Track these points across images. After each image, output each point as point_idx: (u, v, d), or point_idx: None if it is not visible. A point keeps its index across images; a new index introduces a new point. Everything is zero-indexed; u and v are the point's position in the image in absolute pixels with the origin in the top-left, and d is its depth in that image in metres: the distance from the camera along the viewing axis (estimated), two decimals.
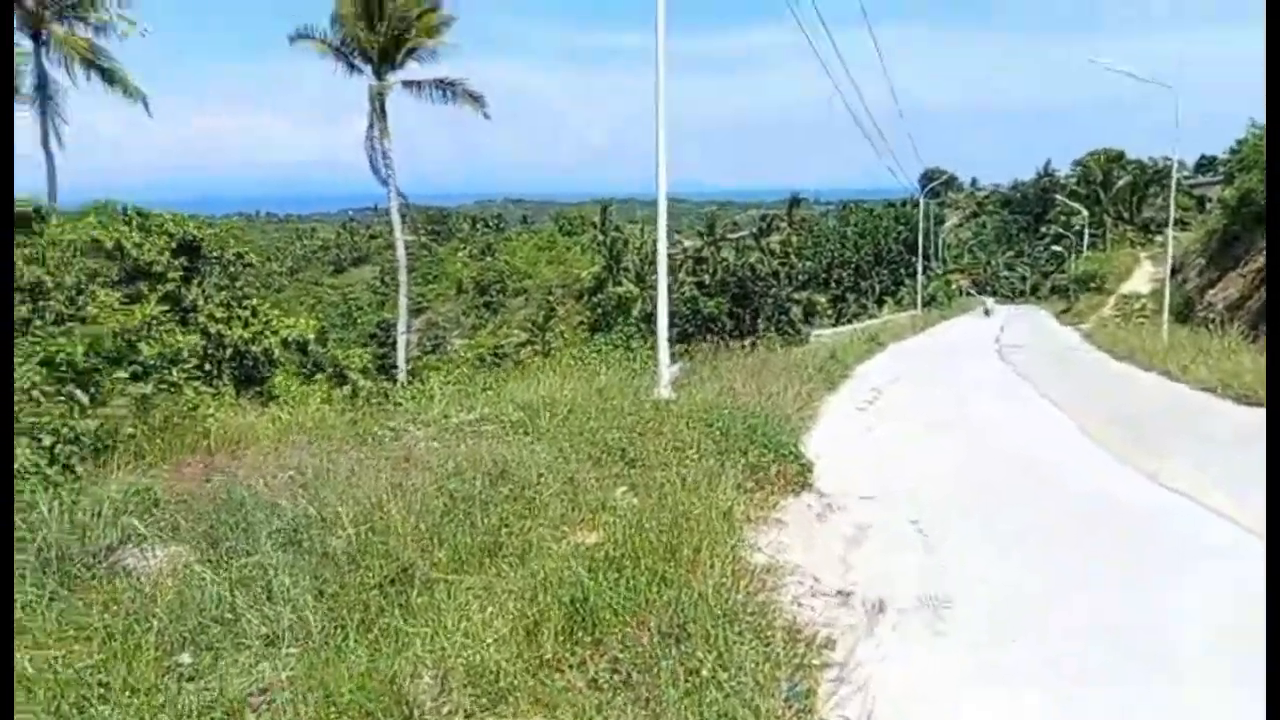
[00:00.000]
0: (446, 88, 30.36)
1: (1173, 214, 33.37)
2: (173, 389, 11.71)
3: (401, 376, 26.55)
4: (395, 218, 31.10)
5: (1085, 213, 75.86)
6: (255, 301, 21.16)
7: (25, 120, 30.65)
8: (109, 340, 11.58)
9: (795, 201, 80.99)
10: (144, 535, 6.06)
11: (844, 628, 5.16)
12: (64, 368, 10.75)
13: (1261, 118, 28.69)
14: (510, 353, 57.58)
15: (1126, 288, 53.29)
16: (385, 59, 30.09)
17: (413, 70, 30.85)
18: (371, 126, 29.44)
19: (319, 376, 19.56)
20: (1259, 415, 12.19)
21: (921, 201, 63.36)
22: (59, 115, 31.51)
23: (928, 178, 78.63)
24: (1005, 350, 29.41)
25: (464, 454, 8.43)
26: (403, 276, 31.69)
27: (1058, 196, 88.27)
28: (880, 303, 69.39)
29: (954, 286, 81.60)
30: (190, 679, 4.39)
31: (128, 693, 4.26)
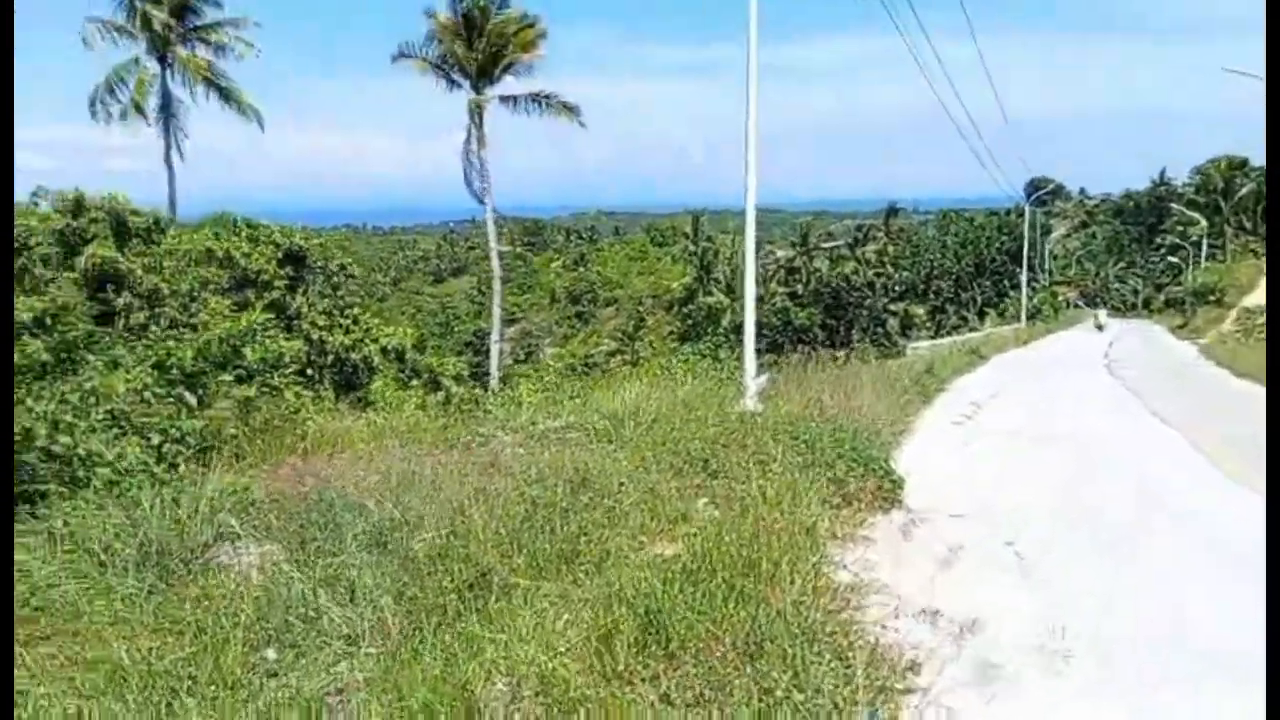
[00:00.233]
0: (542, 100, 30.88)
1: None
2: (274, 392, 12.14)
3: (494, 384, 27.03)
4: (490, 229, 31.73)
5: (1204, 222, 72.05)
6: (356, 310, 21.86)
7: (150, 137, 32.56)
8: (216, 345, 12.07)
9: (893, 211, 79.30)
10: (238, 533, 6.25)
11: (930, 652, 4.93)
12: (174, 370, 11.27)
13: None
14: (600, 362, 58.04)
15: (1249, 301, 50.27)
16: (483, 74, 30.81)
17: (509, 85, 31.53)
18: (469, 139, 30.19)
19: (415, 383, 20.06)
20: None
21: (1027, 210, 61.21)
22: (181, 131, 33.31)
23: (1034, 186, 76.09)
24: (1115, 365, 28.09)
25: (547, 461, 8.48)
26: (497, 286, 32.28)
27: (1174, 205, 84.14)
28: (982, 315, 67.28)
29: (1060, 299, 78.59)
30: (273, 675, 4.50)
31: (213, 686, 4.39)
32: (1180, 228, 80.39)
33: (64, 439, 8.83)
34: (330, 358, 19.01)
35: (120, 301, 17.38)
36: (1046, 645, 5.25)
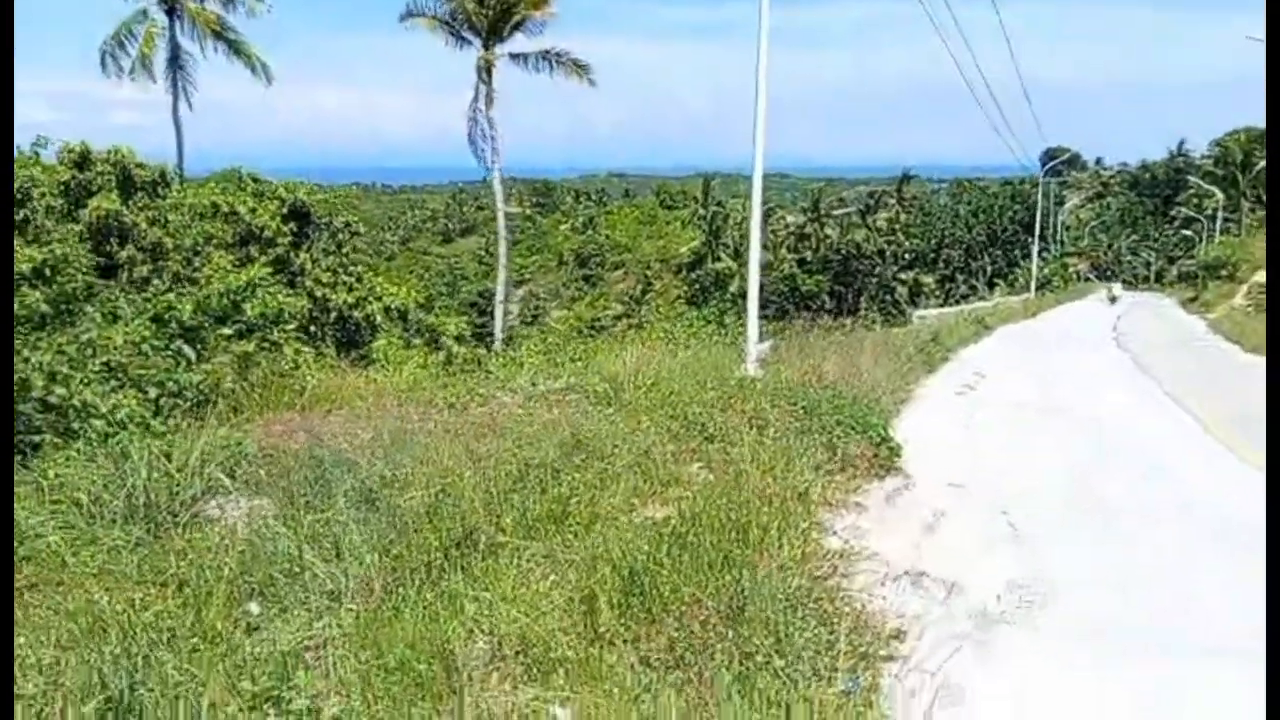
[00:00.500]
0: (553, 58, 30.45)
1: None
2: (274, 348, 12.11)
3: (497, 345, 26.98)
4: (497, 188, 31.48)
5: (1220, 195, 71.12)
6: (360, 268, 21.74)
7: (159, 91, 32.30)
8: (216, 299, 12.03)
9: (906, 178, 78.47)
10: (227, 488, 6.23)
11: (914, 619, 4.89)
12: (173, 324, 11.24)
13: None
14: (607, 325, 57.98)
15: (1261, 276, 49.73)
16: (493, 32, 30.35)
17: (519, 43, 31.09)
18: (476, 98, 29.81)
19: (416, 342, 20.01)
20: None
21: (1040, 180, 60.47)
22: (191, 85, 33.03)
23: (1049, 155, 75.02)
24: (1123, 338, 27.88)
25: (543, 421, 8.45)
26: (502, 247, 32.10)
27: (1191, 178, 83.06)
28: (991, 285, 66.81)
29: (1071, 270, 77.91)
30: (255, 629, 4.49)
31: (194, 639, 4.38)
32: (1196, 200, 79.42)
33: (60, 390, 8.83)
34: (333, 315, 18.92)
35: (124, 254, 17.31)
36: (1033, 613, 5.21)
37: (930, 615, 5.02)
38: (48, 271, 11.50)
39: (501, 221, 31.76)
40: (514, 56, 30.75)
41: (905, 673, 4.30)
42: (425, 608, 4.41)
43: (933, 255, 71.49)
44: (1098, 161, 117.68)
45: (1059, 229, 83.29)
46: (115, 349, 9.93)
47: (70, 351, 9.71)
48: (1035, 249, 57.83)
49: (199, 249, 18.08)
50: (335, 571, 4.95)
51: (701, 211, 74.98)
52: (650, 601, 4.41)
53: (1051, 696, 4.36)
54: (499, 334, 29.84)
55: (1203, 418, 12.78)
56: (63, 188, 17.06)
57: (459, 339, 21.01)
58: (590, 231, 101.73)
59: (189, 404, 9.88)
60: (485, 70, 29.91)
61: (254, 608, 4.81)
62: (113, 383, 9.60)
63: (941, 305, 50.62)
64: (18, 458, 7.35)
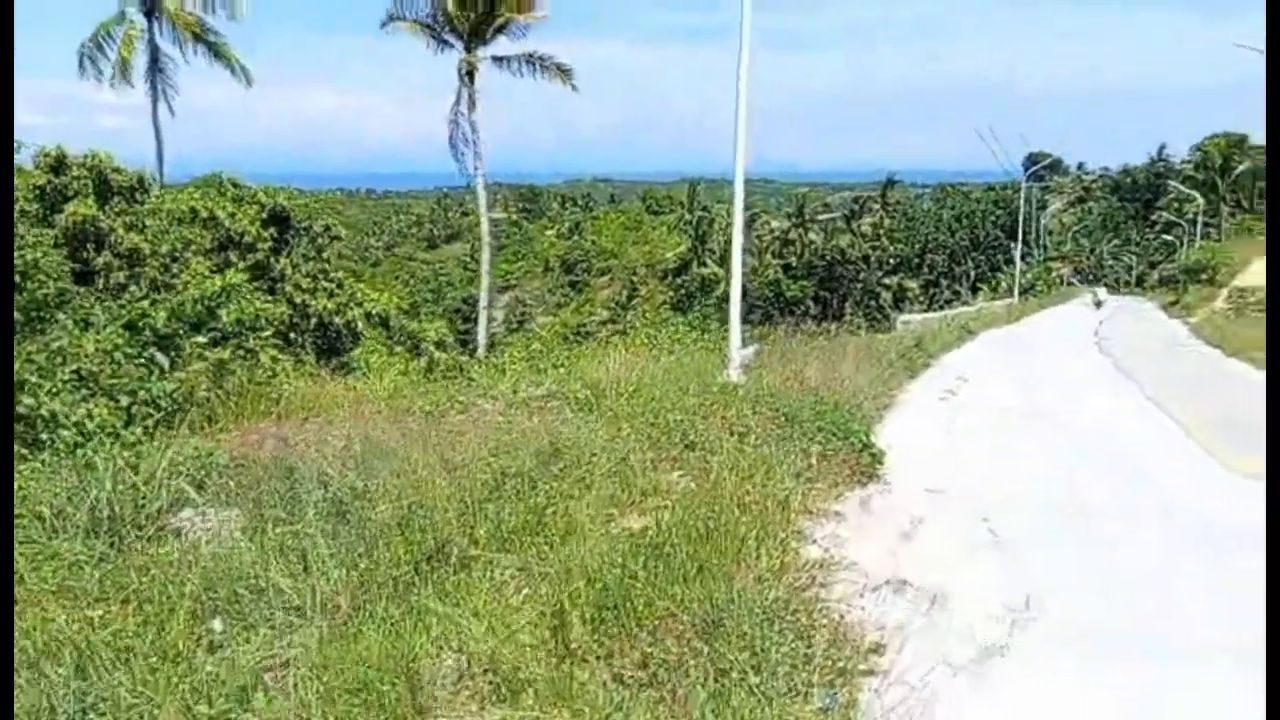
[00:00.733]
0: (535, 62, 30.33)
1: None
2: (250, 355, 11.94)
3: (480, 351, 26.80)
4: (481, 194, 31.32)
5: (1200, 200, 71.69)
6: (341, 274, 21.56)
7: (140, 94, 31.96)
8: (190, 306, 11.85)
9: (890, 183, 78.81)
10: (194, 500, 6.09)
11: (894, 630, 4.81)
12: (146, 331, 11.06)
13: None
14: (593, 331, 57.81)
15: (1241, 280, 50.10)
16: (476, 34, 30.20)
17: (502, 46, 30.94)
18: (458, 101, 29.65)
19: (398, 349, 19.85)
20: None
21: (1023, 185, 60.80)
22: (171, 89, 32.70)
23: (1032, 160, 75.47)
24: (1105, 342, 27.97)
25: (522, 429, 8.33)
26: (485, 253, 31.92)
27: (1171, 183, 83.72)
28: (975, 290, 67.08)
29: (1054, 275, 78.31)
30: (217, 647, 4.36)
31: (154, 658, 4.25)
32: (1177, 205, 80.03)
33: (27, 400, 8.65)
34: (313, 321, 18.73)
35: (100, 261, 17.08)
36: (1015, 621, 5.14)
37: (911, 626, 4.93)
38: (18, 278, 11.29)
39: (485, 227, 31.60)
40: (497, 60, 30.61)
41: (885, 687, 4.21)
42: (392, 624, 4.29)
43: (917, 260, 71.74)
44: (1079, 166, 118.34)
45: (1042, 233, 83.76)
46: (86, 357, 9.75)
47: (40, 360, 9.54)
48: (1018, 253, 58.10)
49: (177, 255, 17.85)
50: (301, 587, 4.83)
51: (687, 217, 75.04)
52: (624, 616, 4.30)
53: (1035, 704, 4.29)
54: (482, 340, 29.67)
55: (1185, 422, 12.78)
56: (38, 192, 16.83)
57: (440, 345, 20.84)
58: (576, 237, 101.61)
59: (162, 413, 9.71)
60: (467, 73, 29.76)
61: (217, 625, 4.68)
62: (83, 392, 9.42)
63: (926, 310, 50.78)
64: None
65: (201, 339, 11.39)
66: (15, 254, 11.75)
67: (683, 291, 67.53)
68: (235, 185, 20.17)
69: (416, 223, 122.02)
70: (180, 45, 32.62)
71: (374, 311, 20.25)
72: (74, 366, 9.54)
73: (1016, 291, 55.95)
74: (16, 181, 16.27)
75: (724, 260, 62.30)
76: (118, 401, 9.44)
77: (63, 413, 8.83)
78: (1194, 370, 21.01)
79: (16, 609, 4.67)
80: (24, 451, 7.95)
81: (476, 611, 4.45)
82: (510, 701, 3.75)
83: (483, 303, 31.29)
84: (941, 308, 51.82)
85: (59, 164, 17.30)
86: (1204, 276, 55.28)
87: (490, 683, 3.86)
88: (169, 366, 10.73)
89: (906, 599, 5.31)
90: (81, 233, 17.00)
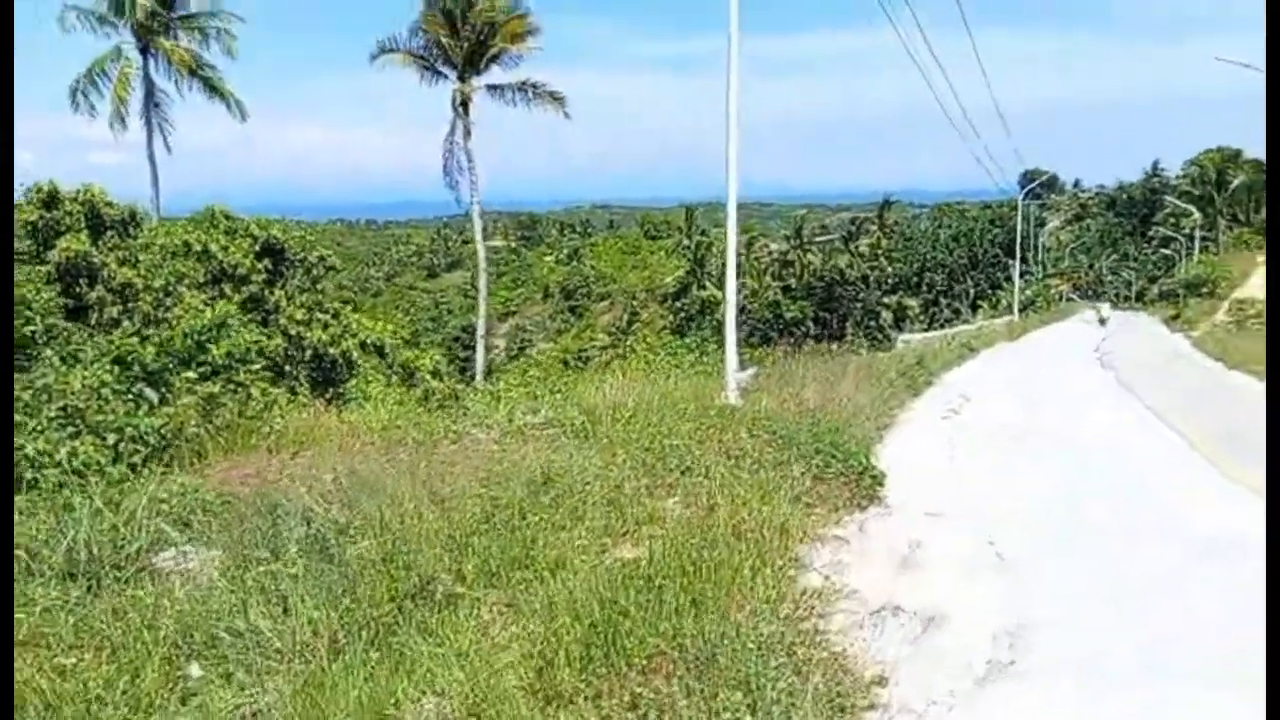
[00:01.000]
0: (529, 90, 30.46)
1: None
2: (239, 389, 11.79)
3: (479, 379, 26.66)
4: (476, 223, 31.33)
5: (1197, 214, 71.79)
6: (336, 305, 21.47)
7: (136, 130, 32.03)
8: (180, 341, 11.73)
9: (887, 204, 78.95)
10: (173, 540, 5.92)
11: (897, 661, 4.62)
12: (135, 367, 10.92)
13: None
14: (594, 356, 57.69)
15: (1241, 293, 50.06)
16: (469, 64, 30.37)
17: (495, 75, 31.10)
18: (453, 131, 29.75)
19: (394, 379, 19.71)
20: None
21: (1020, 203, 60.88)
22: (167, 124, 32.81)
23: (1028, 178, 75.66)
24: (1107, 357, 27.81)
25: (514, 458, 8.17)
26: (482, 281, 31.90)
27: (1167, 198, 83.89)
28: (975, 308, 67.02)
29: (1054, 291, 78.31)
30: (193, 694, 4.18)
31: (125, 709, 4.07)
32: (1173, 220, 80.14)
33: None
34: (308, 353, 18.61)
35: (93, 295, 17.00)
36: (1018, 645, 4.95)
37: (914, 655, 4.75)
38: None
39: (481, 255, 31.58)
40: (491, 88, 30.77)
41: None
42: (372, 668, 4.11)
43: (915, 279, 71.74)
44: (1075, 184, 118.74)
45: (1040, 251, 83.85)
46: (73, 394, 9.60)
47: (25, 398, 9.40)
48: (1017, 271, 58.07)
49: (170, 289, 17.77)
50: (282, 629, 4.66)
51: (685, 241, 75.12)
52: (613, 654, 4.13)
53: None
54: (480, 368, 29.54)
55: (1189, 435, 12.61)
56: (30, 228, 16.77)
57: (435, 374, 20.70)
58: (575, 263, 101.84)
59: (150, 449, 9.56)
60: (461, 104, 29.87)
61: (195, 670, 4.51)
62: (69, 429, 9.27)
63: (926, 329, 50.64)
64: None
65: (191, 374, 11.25)
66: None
67: (683, 315, 67.45)
68: (228, 218, 20.11)
69: (417, 252, 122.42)
70: (176, 81, 32.80)
71: (369, 341, 20.14)
72: (60, 404, 9.39)
73: (1016, 309, 55.87)
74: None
75: (722, 283, 62.36)
76: (104, 439, 9.28)
77: (47, 451, 8.69)
78: (1196, 384, 20.84)
79: None
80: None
81: (461, 652, 4.27)
82: None
83: (480, 330, 31.21)
84: (942, 326, 51.70)
85: (51, 199, 17.27)
86: (1204, 290, 55.24)
87: None
88: (158, 402, 10.60)
89: (908, 627, 5.12)
90: (74, 268, 16.94)
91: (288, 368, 18.22)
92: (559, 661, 4.05)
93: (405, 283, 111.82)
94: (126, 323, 16.32)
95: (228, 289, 18.30)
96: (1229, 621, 5.40)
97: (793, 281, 67.61)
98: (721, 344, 22.99)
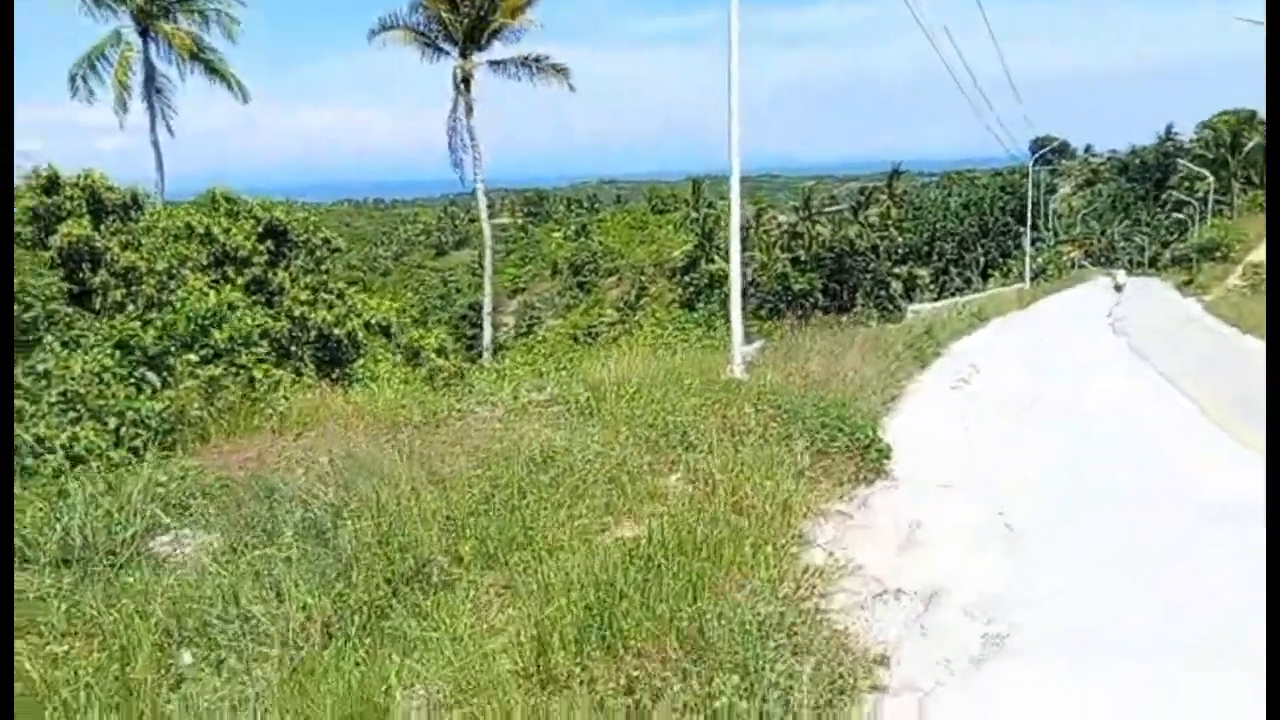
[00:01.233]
0: (531, 64, 30.11)
1: None
2: (241, 371, 11.74)
3: (486, 356, 26.58)
4: (481, 200, 31.12)
5: (1210, 178, 70.86)
6: (341, 285, 21.38)
7: (138, 114, 31.90)
8: (182, 325, 11.67)
9: (896, 173, 78.17)
10: (167, 524, 5.87)
11: (900, 637, 4.53)
12: (136, 351, 10.88)
13: None
14: (603, 332, 57.58)
15: (1256, 256, 49.40)
16: (470, 40, 30.00)
17: (498, 51, 30.73)
18: (455, 108, 29.45)
19: (398, 358, 19.63)
20: None
21: (1030, 169, 60.19)
22: (169, 108, 32.64)
23: (1038, 145, 74.79)
24: (1119, 323, 27.53)
25: (516, 436, 8.08)
26: (488, 258, 31.72)
27: (1180, 161, 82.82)
28: (986, 276, 66.52)
29: (1065, 258, 77.64)
30: (179, 683, 4.12)
31: (115, 696, 4.02)
32: (1187, 184, 79.16)
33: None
34: (313, 334, 18.52)
35: (96, 280, 16.94)
36: (1027, 622, 4.85)
37: (917, 632, 4.65)
38: None
39: (487, 232, 31.40)
40: (493, 64, 30.39)
41: (892, 700, 3.94)
42: (365, 653, 4.04)
43: (926, 249, 71.19)
44: (1087, 149, 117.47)
45: (1051, 218, 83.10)
46: (73, 379, 9.56)
47: (26, 384, 9.36)
48: (1028, 239, 57.53)
49: (174, 271, 17.68)
50: (275, 613, 4.59)
51: (693, 214, 74.66)
52: (610, 636, 4.04)
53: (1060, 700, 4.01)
54: (487, 345, 29.45)
55: (1201, 401, 12.44)
56: (30, 214, 16.69)
57: (440, 352, 20.61)
58: (583, 239, 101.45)
59: (152, 433, 9.52)
60: (463, 80, 29.56)
61: (187, 657, 4.45)
62: (70, 414, 9.24)
63: (936, 299, 50.26)
64: None
65: (193, 357, 11.21)
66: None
67: (691, 289, 67.15)
68: (229, 200, 19.98)
69: (424, 231, 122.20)
70: (178, 65, 32.58)
71: (374, 321, 20.04)
72: (61, 388, 9.36)
73: (1028, 276, 55.41)
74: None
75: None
76: (105, 423, 9.25)
77: (49, 436, 8.65)
78: (1210, 349, 20.59)
79: None
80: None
81: (456, 636, 4.20)
82: None
83: (486, 308, 31.08)
84: (952, 295, 51.27)
85: (51, 184, 17.17)
86: (1217, 254, 54.60)
87: (465, 715, 3.60)
88: (160, 386, 10.56)
89: (912, 603, 5.02)
90: (77, 252, 16.86)
91: (293, 349, 18.14)
92: (554, 645, 3.97)
93: (414, 261, 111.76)
94: (130, 306, 16.27)
95: (230, 271, 18.20)
96: (1242, 585, 5.28)
97: (802, 253, 67.09)
98: (729, 318, 22.86)
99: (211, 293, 13.92)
